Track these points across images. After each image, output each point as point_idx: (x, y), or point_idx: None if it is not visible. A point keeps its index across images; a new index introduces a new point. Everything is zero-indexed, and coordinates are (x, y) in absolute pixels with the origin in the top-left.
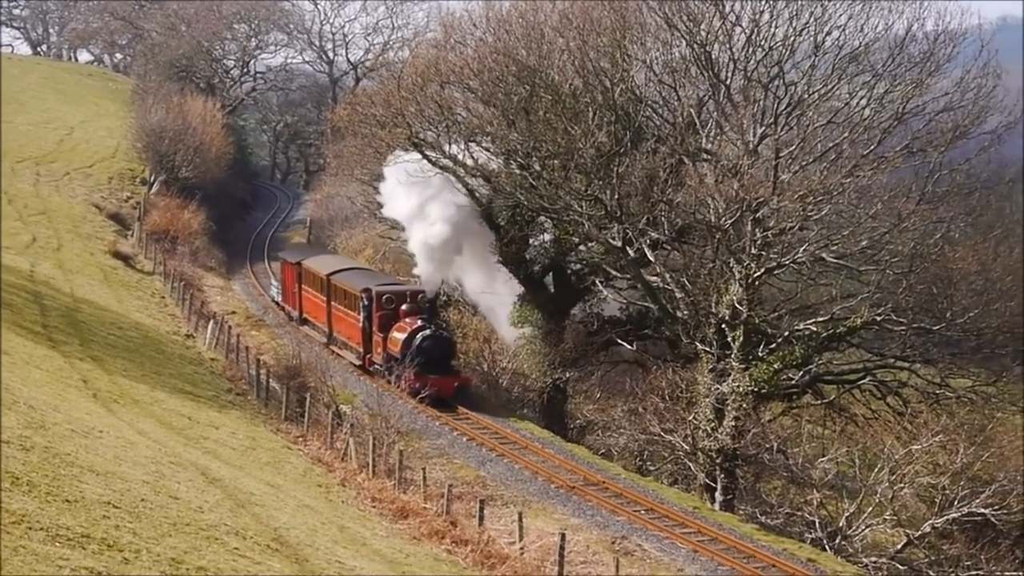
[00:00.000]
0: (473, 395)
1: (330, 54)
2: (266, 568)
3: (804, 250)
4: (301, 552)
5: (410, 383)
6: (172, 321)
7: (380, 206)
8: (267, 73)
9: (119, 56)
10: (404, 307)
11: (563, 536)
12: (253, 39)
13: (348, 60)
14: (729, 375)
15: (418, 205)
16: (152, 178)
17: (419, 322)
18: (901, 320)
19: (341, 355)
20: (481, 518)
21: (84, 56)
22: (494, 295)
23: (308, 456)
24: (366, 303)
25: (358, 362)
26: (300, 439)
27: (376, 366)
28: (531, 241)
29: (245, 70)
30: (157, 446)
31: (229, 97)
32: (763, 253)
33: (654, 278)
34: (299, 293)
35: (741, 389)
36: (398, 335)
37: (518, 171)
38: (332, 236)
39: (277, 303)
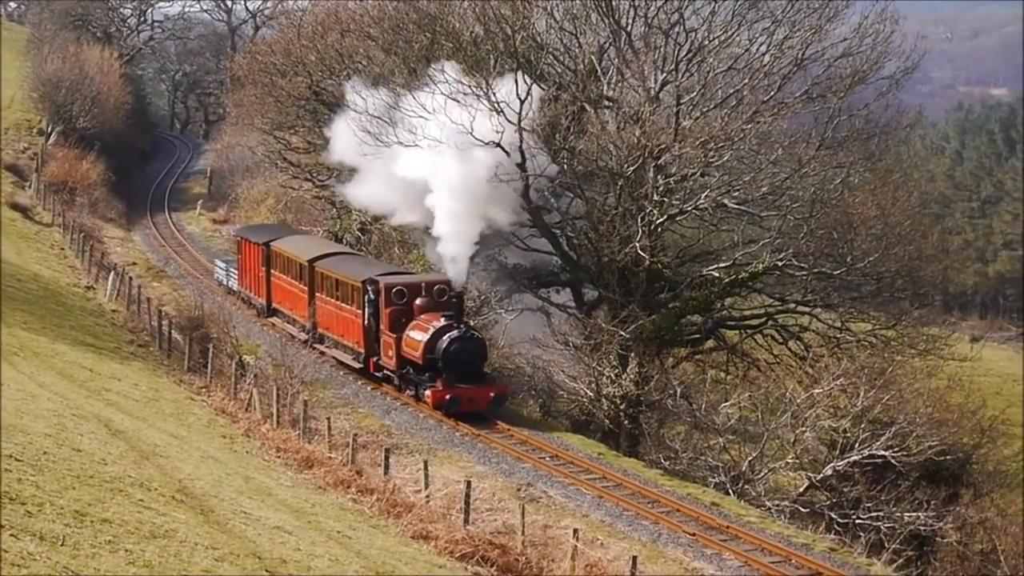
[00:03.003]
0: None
1: (228, 2)
2: (171, 519)
3: (706, 196)
4: (206, 503)
5: (437, 395)
6: (72, 273)
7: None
8: (165, 22)
9: (13, 4)
10: (419, 301)
11: (469, 484)
12: None
13: (247, 8)
14: (632, 321)
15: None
16: (49, 128)
17: (442, 320)
18: (802, 265)
19: (332, 356)
20: (386, 467)
21: None
22: None
23: (212, 407)
24: (372, 297)
25: (357, 365)
26: (203, 390)
27: (387, 372)
28: None
29: (142, 19)
30: (59, 398)
31: (126, 46)
32: (665, 200)
33: (557, 227)
34: (267, 279)
35: (644, 335)
36: (417, 336)
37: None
38: (233, 186)
39: (225, 286)
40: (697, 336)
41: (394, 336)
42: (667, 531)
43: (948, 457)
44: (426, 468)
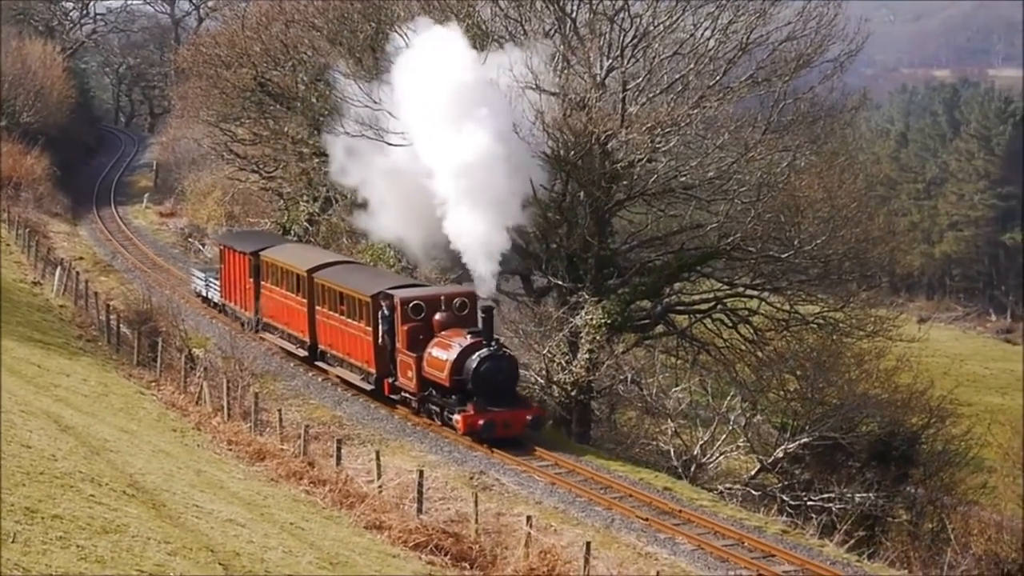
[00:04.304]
0: None
1: None
2: (123, 514)
3: (653, 182)
4: (158, 497)
5: (469, 421)
6: (18, 268)
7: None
8: (108, 15)
9: None
10: (438, 316)
11: (421, 473)
12: None
13: (190, 0)
14: (582, 308)
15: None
16: None
17: (468, 337)
18: (750, 249)
19: (337, 375)
20: (339, 458)
21: None
22: None
23: (162, 401)
24: (386, 312)
25: (368, 386)
26: (153, 384)
27: (405, 395)
28: None
29: (85, 12)
30: (7, 395)
31: (69, 40)
32: (613, 186)
33: None
34: (255, 291)
35: (594, 321)
36: (441, 355)
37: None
38: (179, 179)
39: (205, 299)
40: (647, 321)
41: (413, 356)
42: (620, 516)
43: (897, 437)
44: (378, 458)
